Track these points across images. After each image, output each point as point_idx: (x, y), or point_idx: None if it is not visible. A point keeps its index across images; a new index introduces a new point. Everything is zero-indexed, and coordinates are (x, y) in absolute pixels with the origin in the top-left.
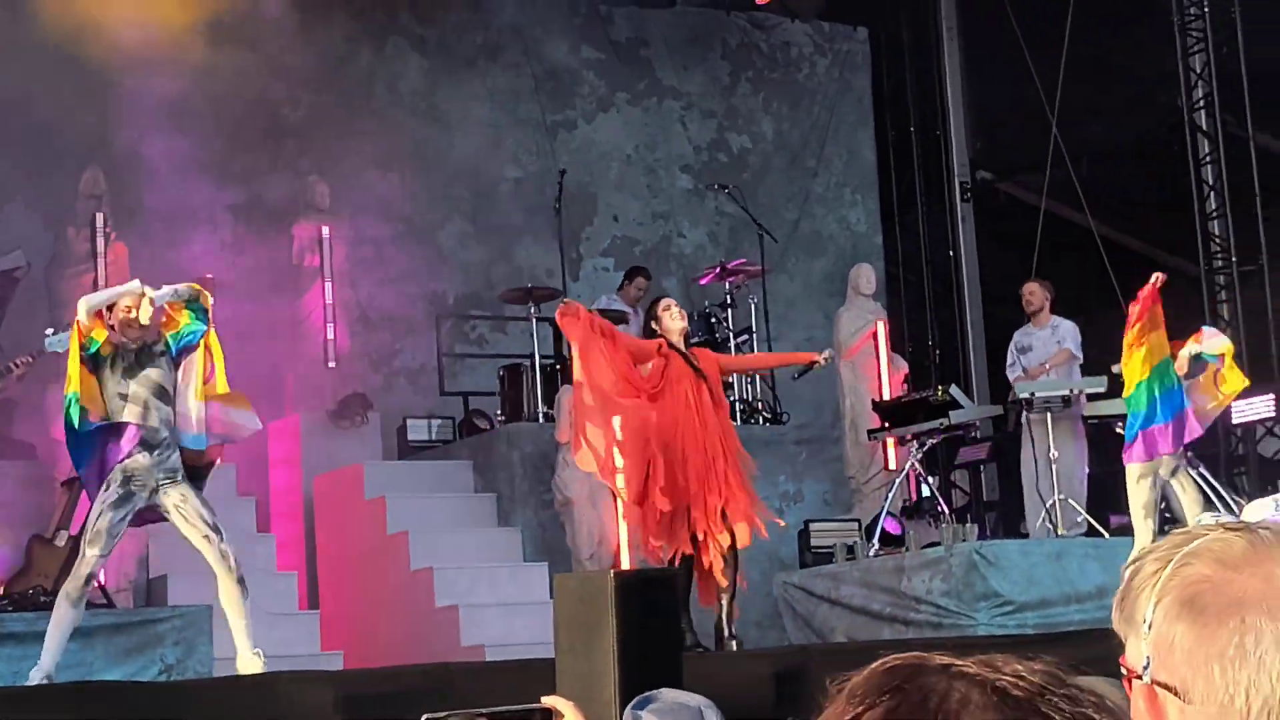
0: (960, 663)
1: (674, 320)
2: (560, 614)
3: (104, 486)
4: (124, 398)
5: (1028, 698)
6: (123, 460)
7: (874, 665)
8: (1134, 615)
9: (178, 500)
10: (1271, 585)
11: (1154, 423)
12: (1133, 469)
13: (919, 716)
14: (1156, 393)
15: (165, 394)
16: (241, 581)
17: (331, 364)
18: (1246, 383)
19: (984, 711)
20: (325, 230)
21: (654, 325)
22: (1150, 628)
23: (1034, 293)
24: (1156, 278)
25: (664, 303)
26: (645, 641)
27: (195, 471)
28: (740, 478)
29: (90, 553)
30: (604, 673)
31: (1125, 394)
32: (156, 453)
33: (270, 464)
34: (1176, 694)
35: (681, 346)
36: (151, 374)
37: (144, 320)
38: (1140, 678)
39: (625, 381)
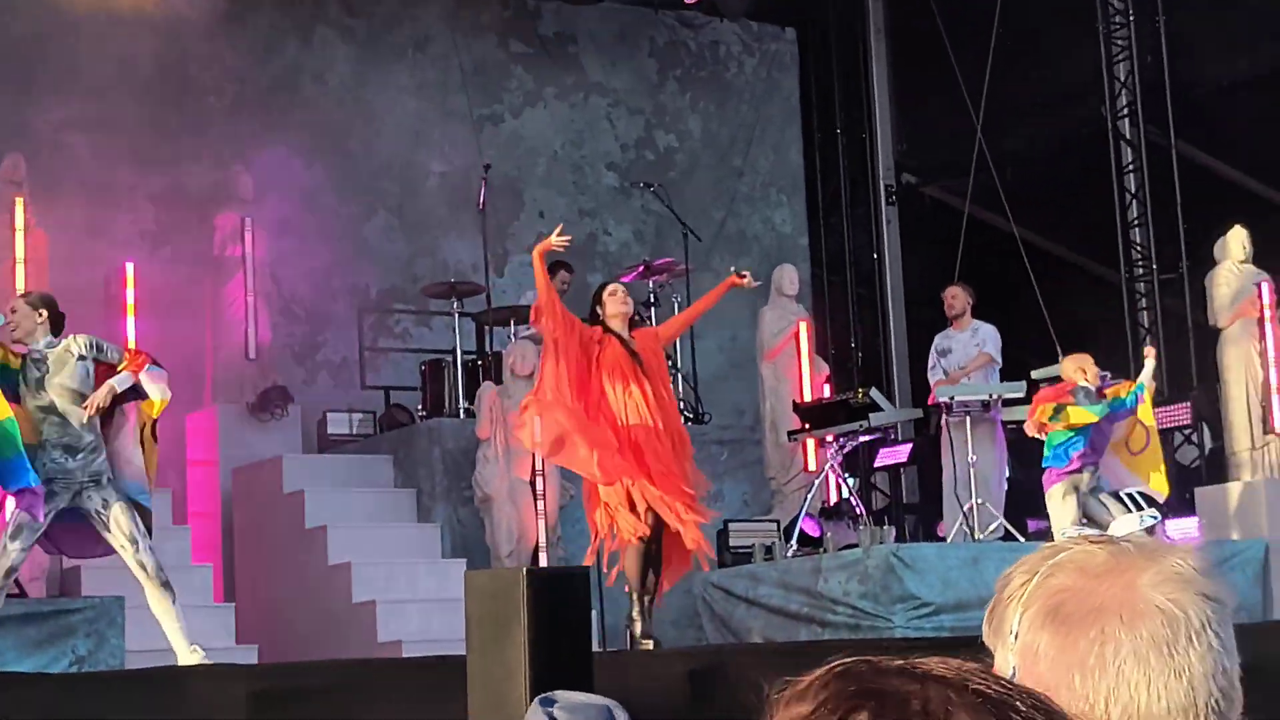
0: (922, 663)
1: (616, 305)
2: (471, 612)
3: None
4: (43, 410)
5: (1001, 698)
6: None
7: (823, 670)
8: (1002, 626)
9: (99, 505)
10: (1130, 595)
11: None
12: (1054, 489)
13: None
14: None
15: (84, 399)
16: (167, 585)
17: (252, 356)
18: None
19: (969, 712)
20: (248, 221)
21: (598, 309)
22: (1016, 637)
23: (956, 296)
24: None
25: (610, 288)
26: (556, 640)
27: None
28: (683, 475)
29: (12, 546)
30: (515, 671)
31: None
32: (80, 456)
33: (188, 455)
34: None
35: (623, 333)
36: (65, 380)
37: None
38: None
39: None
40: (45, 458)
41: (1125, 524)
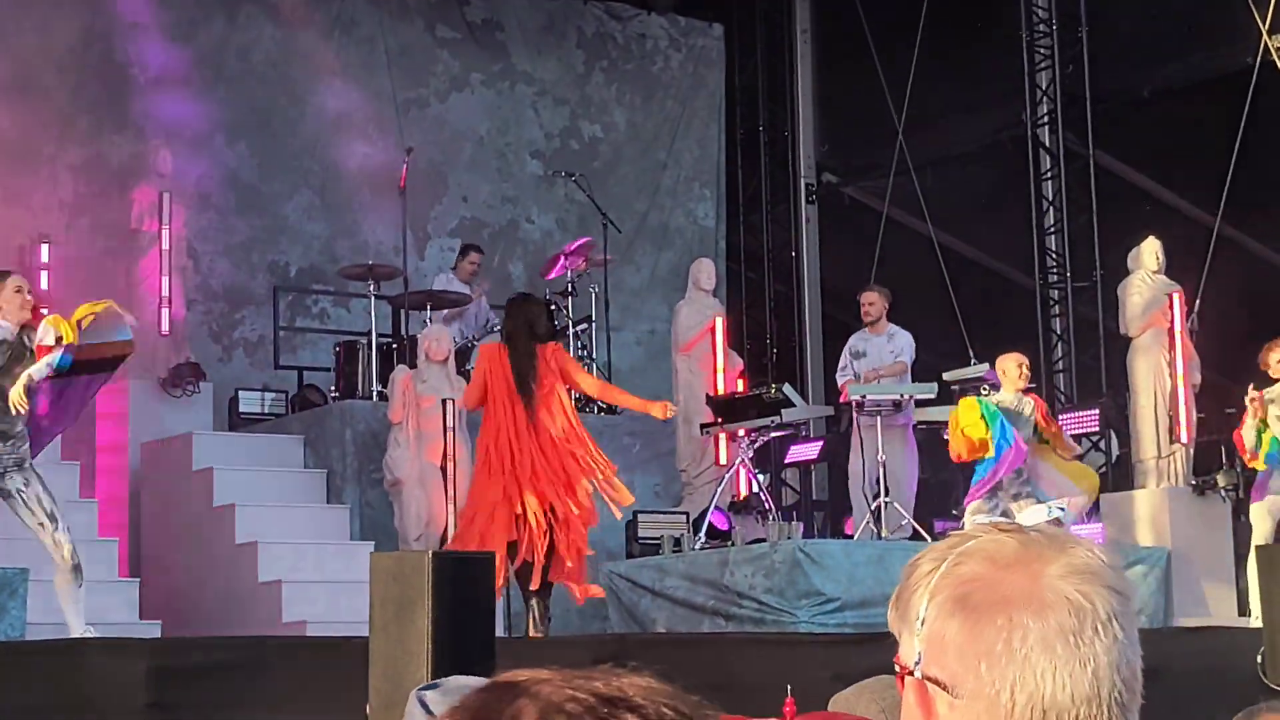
0: (548, 678)
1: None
2: (375, 593)
3: None
4: None
5: (580, 713)
6: None
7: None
8: (909, 612)
9: (20, 485)
10: (1038, 585)
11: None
12: (972, 506)
13: None
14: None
15: (30, 391)
16: (77, 569)
17: (166, 331)
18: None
19: None
20: (166, 195)
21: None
22: (924, 624)
23: (873, 302)
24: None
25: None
26: (459, 624)
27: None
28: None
29: None
30: (416, 654)
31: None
32: (11, 443)
33: (97, 429)
34: (946, 689)
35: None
36: (18, 371)
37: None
38: (912, 673)
39: None
40: None
41: (1032, 515)
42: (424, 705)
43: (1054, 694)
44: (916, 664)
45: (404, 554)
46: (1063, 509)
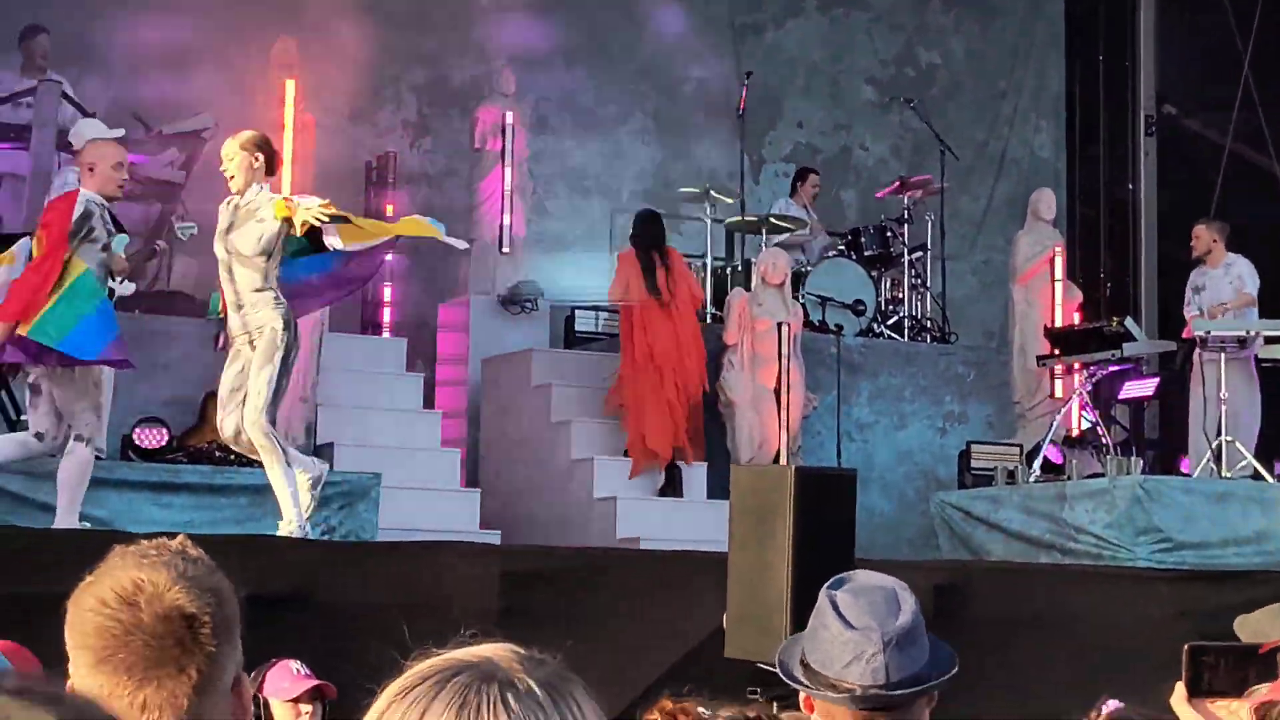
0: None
1: None
2: (735, 506)
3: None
4: None
5: None
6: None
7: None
8: None
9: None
10: None
11: None
12: None
13: None
14: None
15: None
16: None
17: (506, 250)
18: None
19: None
20: (509, 116)
21: None
22: None
23: (1199, 237)
24: None
25: None
26: (819, 538)
27: None
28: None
29: None
30: (776, 567)
31: None
32: (242, 311)
33: (439, 342)
34: None
35: None
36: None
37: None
38: None
39: None
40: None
41: None
42: (835, 606)
43: None
44: None
45: (765, 468)
46: None
